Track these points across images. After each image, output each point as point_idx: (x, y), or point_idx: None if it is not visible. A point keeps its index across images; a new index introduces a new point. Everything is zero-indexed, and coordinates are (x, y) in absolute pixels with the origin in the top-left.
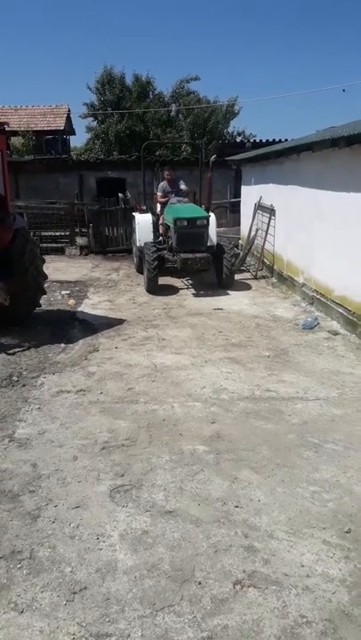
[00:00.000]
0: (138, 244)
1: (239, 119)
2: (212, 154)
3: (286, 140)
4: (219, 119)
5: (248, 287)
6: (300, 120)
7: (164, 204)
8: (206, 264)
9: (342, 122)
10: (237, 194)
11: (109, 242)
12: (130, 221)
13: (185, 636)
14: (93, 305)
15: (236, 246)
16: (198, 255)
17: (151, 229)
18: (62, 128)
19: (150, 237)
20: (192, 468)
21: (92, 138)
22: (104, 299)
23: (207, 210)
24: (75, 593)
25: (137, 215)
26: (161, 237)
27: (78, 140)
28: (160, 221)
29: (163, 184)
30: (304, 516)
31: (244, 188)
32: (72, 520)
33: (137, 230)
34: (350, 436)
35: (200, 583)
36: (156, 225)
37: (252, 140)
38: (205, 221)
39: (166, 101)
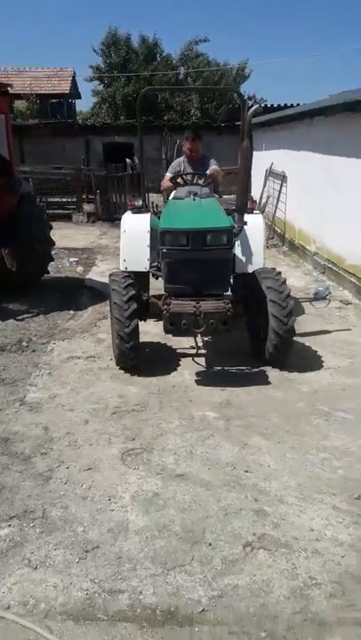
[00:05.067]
0: (121, 268)
1: (250, 83)
2: (221, 118)
3: (298, 104)
4: (229, 82)
5: None
6: (313, 84)
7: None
8: (223, 323)
9: (358, 86)
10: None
11: (117, 209)
12: (138, 188)
13: (196, 594)
14: (102, 273)
15: None
16: (207, 305)
17: (147, 243)
18: (68, 92)
19: (145, 258)
20: (202, 433)
21: (99, 102)
22: (112, 266)
23: (241, 209)
24: (87, 551)
25: (126, 215)
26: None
27: (84, 105)
28: None
29: (179, 161)
30: (314, 481)
31: (254, 154)
32: (84, 481)
33: (122, 243)
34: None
35: (211, 544)
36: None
37: (263, 105)
38: (226, 238)
39: (174, 64)
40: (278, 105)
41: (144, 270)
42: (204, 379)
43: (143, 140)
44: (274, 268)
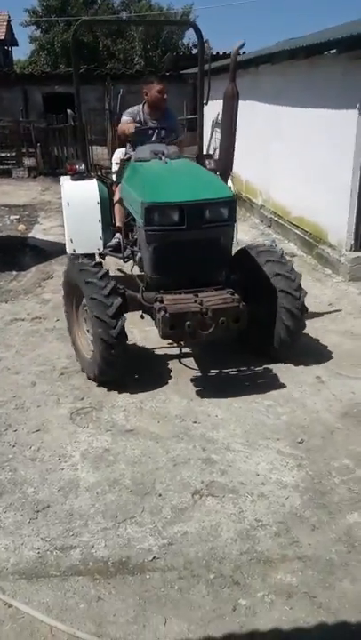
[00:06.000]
0: (68, 251)
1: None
2: (166, 67)
3: (245, 52)
4: (173, 29)
5: None
6: (264, 31)
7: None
8: (236, 320)
9: (304, 33)
10: (195, 110)
11: (60, 162)
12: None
13: (147, 543)
14: (45, 230)
15: None
16: (213, 299)
17: (98, 217)
18: (3, 38)
19: (97, 237)
20: (151, 389)
21: (37, 49)
22: (56, 224)
23: (225, 171)
24: (38, 511)
25: (67, 183)
26: (118, 235)
27: (21, 52)
28: (116, 198)
29: (138, 109)
30: (259, 428)
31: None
32: (32, 443)
33: (67, 220)
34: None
35: (160, 495)
36: (109, 204)
37: (208, 53)
38: (228, 211)
39: (116, 8)
40: (225, 53)
41: (96, 252)
42: (205, 390)
43: (79, 90)
44: (274, 243)
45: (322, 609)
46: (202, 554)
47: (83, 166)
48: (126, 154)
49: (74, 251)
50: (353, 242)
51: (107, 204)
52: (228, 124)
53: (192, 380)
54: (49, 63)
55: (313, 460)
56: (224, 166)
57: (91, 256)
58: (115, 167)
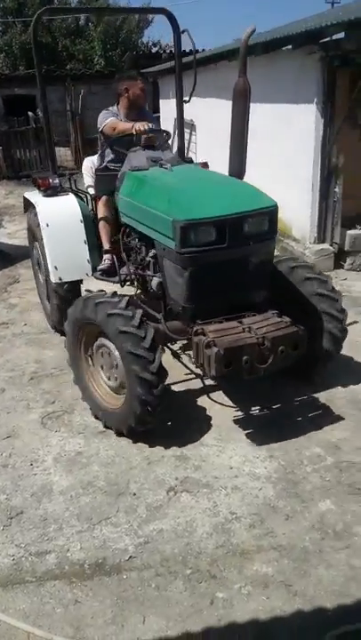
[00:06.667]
0: (53, 280)
1: (154, 28)
2: (127, 66)
3: (204, 50)
4: (132, 28)
5: None
6: (222, 28)
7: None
8: (294, 347)
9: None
10: (156, 109)
11: (22, 165)
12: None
13: (122, 543)
14: (10, 234)
15: None
16: (267, 326)
17: (83, 238)
18: None
19: (85, 260)
20: None
21: None
22: (21, 227)
23: (238, 177)
24: (11, 518)
25: (42, 201)
26: (107, 256)
27: None
28: (101, 214)
29: (114, 110)
30: (230, 422)
31: (162, 102)
32: (3, 450)
33: (47, 243)
34: None
35: (135, 494)
36: (91, 222)
37: (168, 51)
38: (269, 222)
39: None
40: (184, 51)
41: (85, 277)
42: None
43: (45, 89)
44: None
45: (298, 596)
46: (178, 550)
47: (57, 180)
48: (102, 163)
49: (59, 279)
50: (316, 235)
51: (89, 223)
52: (239, 125)
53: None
54: (7, 65)
55: (285, 450)
56: (237, 172)
57: (76, 282)
58: (87, 179)
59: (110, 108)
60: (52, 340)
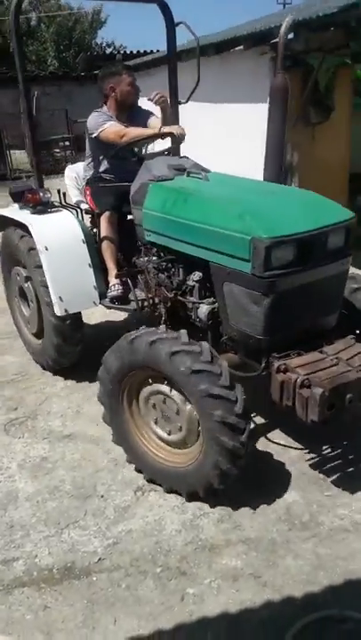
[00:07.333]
0: (59, 313)
1: (107, 29)
2: (81, 67)
3: (158, 50)
4: (85, 29)
5: None
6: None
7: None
8: None
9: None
10: None
11: None
12: None
13: (91, 546)
14: None
15: None
16: (357, 355)
17: (88, 261)
18: None
19: (91, 287)
20: (88, 391)
21: None
22: None
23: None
24: None
25: (36, 221)
26: (116, 280)
27: None
28: (105, 232)
29: (106, 112)
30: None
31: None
32: None
33: (48, 270)
34: None
35: (103, 496)
36: (94, 242)
37: (122, 52)
38: (347, 236)
39: (24, 9)
40: (138, 51)
41: (92, 306)
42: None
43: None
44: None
45: (267, 587)
46: (147, 549)
47: (48, 195)
48: (96, 173)
49: (65, 311)
50: None
51: (90, 243)
52: (278, 124)
53: None
54: None
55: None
56: (275, 177)
57: (79, 314)
58: (72, 191)
59: (102, 110)
60: (12, 345)
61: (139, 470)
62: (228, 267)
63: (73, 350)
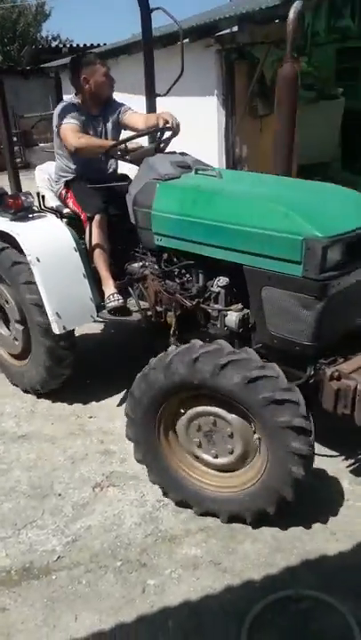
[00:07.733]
0: (57, 331)
1: (52, 21)
2: (26, 61)
3: (105, 44)
4: (29, 21)
5: None
6: (123, 23)
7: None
8: None
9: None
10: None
11: None
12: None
13: (50, 545)
14: None
15: None
16: None
17: (82, 271)
18: None
19: (87, 300)
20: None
21: None
22: None
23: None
24: None
25: (20, 230)
26: (112, 290)
27: None
28: (97, 239)
29: (74, 107)
30: None
31: (66, 98)
32: None
33: (42, 284)
34: None
35: (60, 494)
36: (85, 250)
37: (68, 45)
38: None
39: None
40: (85, 45)
41: (89, 321)
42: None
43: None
44: None
45: (227, 573)
46: (107, 544)
47: (30, 198)
48: (75, 174)
49: (64, 328)
50: None
51: (82, 251)
52: (287, 116)
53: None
54: None
55: None
56: (284, 170)
57: (72, 330)
58: (47, 193)
59: (71, 99)
60: None
61: (187, 505)
62: (270, 270)
63: (65, 372)
